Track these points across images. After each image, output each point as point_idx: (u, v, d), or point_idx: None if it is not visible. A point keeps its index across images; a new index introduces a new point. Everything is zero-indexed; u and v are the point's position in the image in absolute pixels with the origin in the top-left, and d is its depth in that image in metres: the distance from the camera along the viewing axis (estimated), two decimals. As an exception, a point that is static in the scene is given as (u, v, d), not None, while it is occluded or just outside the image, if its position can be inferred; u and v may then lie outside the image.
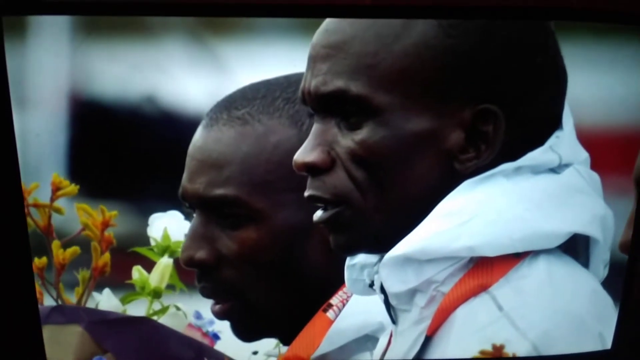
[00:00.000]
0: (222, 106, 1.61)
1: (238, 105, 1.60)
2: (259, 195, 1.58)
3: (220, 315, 1.63)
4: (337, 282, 1.56)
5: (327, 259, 1.57)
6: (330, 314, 1.58)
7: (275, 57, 1.59)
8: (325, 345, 1.57)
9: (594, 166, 1.46)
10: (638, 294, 1.60)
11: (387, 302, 1.46)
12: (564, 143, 1.43)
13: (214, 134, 1.60)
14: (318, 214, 1.45)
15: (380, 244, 1.42)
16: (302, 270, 1.59)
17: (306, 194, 1.45)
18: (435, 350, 1.41)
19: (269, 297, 1.60)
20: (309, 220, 1.51)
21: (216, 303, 1.63)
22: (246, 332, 1.64)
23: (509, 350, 1.38)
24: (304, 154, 1.44)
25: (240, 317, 1.63)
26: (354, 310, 1.57)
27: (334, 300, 1.58)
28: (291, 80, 1.60)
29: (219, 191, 1.58)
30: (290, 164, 1.49)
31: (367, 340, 1.58)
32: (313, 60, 1.43)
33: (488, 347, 1.40)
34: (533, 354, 1.38)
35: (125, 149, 1.62)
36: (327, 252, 1.55)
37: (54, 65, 1.59)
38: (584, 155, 1.46)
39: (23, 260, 1.58)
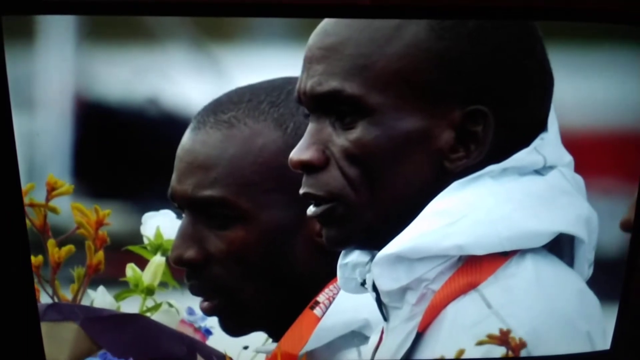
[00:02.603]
0: (209, 110, 1.60)
1: (224, 109, 1.58)
2: (246, 196, 1.56)
3: (208, 312, 1.61)
4: (323, 279, 1.55)
5: (314, 257, 1.56)
6: (317, 311, 1.56)
7: (273, 62, 1.58)
8: (313, 342, 1.55)
9: (579, 169, 1.45)
10: (637, 294, 1.58)
11: (378, 300, 1.43)
12: (548, 145, 1.42)
13: (201, 137, 1.58)
14: (311, 209, 1.43)
15: (372, 240, 1.41)
16: (289, 268, 1.57)
17: (301, 191, 1.43)
18: (426, 346, 1.39)
19: (257, 295, 1.58)
20: (295, 219, 1.53)
21: (205, 300, 1.61)
22: (234, 328, 1.62)
23: (515, 336, 1.36)
24: (300, 152, 1.41)
25: (228, 314, 1.61)
26: (341, 308, 1.55)
27: (321, 297, 1.56)
28: (275, 85, 1.59)
29: (207, 192, 1.57)
30: (275, 165, 1.52)
31: (354, 336, 1.56)
32: (309, 62, 1.42)
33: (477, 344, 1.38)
34: (523, 352, 1.35)
35: (122, 150, 1.60)
36: (313, 250, 1.55)
37: (59, 68, 1.58)
38: (567, 158, 1.44)
39: (22, 259, 1.56)
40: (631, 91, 1.57)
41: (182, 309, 1.64)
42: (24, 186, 1.56)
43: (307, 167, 1.41)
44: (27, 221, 1.57)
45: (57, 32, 1.56)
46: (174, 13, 1.54)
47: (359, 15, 1.42)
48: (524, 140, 1.40)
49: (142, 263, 1.64)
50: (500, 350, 1.37)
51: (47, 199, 1.58)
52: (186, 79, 1.59)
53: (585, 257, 1.41)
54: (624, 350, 1.53)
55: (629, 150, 1.60)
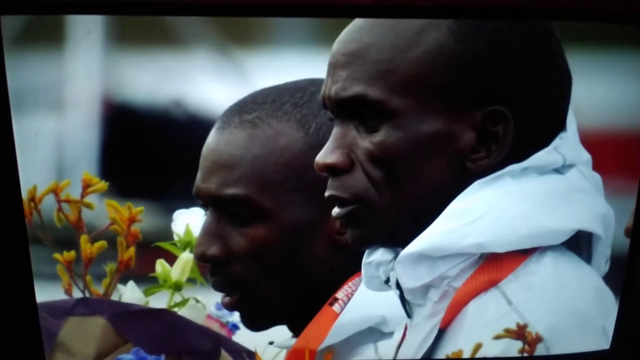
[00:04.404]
0: (234, 110, 1.59)
1: (249, 109, 1.58)
2: (268, 195, 1.56)
3: (229, 307, 1.62)
4: (341, 276, 1.55)
5: (332, 255, 1.56)
6: (336, 307, 1.56)
7: (293, 66, 1.58)
8: (331, 338, 1.55)
9: (596, 167, 1.45)
10: (638, 292, 1.58)
11: (402, 297, 1.44)
12: (567, 144, 1.42)
13: (225, 137, 1.58)
14: (336, 210, 1.43)
15: (395, 239, 1.41)
16: (307, 265, 1.57)
17: (326, 194, 1.43)
18: (448, 342, 1.39)
19: (277, 291, 1.58)
20: (314, 218, 1.53)
21: (226, 295, 1.61)
22: (254, 323, 1.62)
23: (532, 331, 1.37)
24: (325, 155, 1.42)
25: (248, 309, 1.61)
26: (358, 304, 1.55)
27: (340, 294, 1.56)
28: (299, 86, 1.59)
29: (230, 191, 1.57)
30: (297, 165, 1.52)
31: (371, 332, 1.56)
32: (333, 68, 1.42)
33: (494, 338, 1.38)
34: (541, 347, 1.36)
35: (153, 150, 1.61)
36: (332, 248, 1.55)
37: (89, 71, 1.58)
38: (586, 156, 1.45)
39: (22, 259, 1.55)
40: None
41: (208, 304, 1.64)
42: (60, 183, 1.57)
43: (333, 170, 1.42)
44: (62, 216, 1.57)
45: (86, 36, 1.57)
46: (173, 14, 1.54)
47: (359, 15, 1.42)
48: (544, 139, 1.40)
49: (171, 259, 1.64)
50: (517, 344, 1.37)
51: (82, 195, 1.58)
52: (210, 81, 1.59)
53: (603, 253, 1.42)
54: (624, 350, 1.52)
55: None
